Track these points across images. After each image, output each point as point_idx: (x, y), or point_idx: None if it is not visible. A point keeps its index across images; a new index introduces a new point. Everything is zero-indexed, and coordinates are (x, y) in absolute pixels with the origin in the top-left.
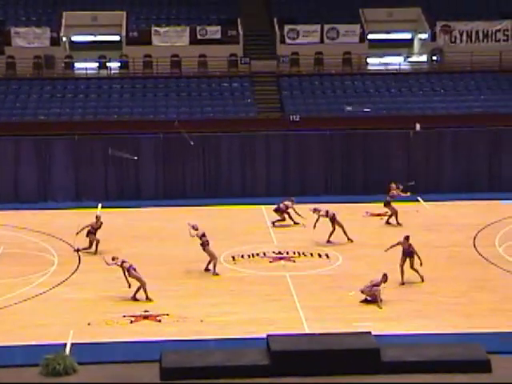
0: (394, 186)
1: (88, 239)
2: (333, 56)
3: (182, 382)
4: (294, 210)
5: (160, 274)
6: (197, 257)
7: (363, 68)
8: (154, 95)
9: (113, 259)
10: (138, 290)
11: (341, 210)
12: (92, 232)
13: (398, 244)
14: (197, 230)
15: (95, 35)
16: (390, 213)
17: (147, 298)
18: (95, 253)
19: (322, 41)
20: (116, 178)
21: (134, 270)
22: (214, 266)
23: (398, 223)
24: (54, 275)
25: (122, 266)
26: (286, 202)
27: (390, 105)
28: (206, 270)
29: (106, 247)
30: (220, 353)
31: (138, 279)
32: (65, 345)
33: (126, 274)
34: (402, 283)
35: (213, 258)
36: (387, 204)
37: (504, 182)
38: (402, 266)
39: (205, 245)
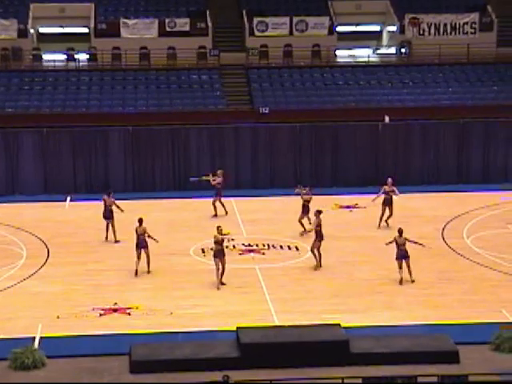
0: (390, 180)
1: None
2: (302, 48)
3: (151, 375)
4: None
5: (129, 266)
6: (166, 249)
7: (332, 60)
8: (123, 87)
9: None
10: (149, 263)
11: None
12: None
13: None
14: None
15: (63, 27)
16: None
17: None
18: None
19: (291, 33)
20: (85, 172)
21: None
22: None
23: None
24: (22, 268)
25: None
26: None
27: (359, 97)
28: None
29: (75, 239)
30: (190, 345)
31: (147, 253)
32: (33, 338)
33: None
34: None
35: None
36: (388, 202)
37: (472, 174)
38: (316, 250)
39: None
